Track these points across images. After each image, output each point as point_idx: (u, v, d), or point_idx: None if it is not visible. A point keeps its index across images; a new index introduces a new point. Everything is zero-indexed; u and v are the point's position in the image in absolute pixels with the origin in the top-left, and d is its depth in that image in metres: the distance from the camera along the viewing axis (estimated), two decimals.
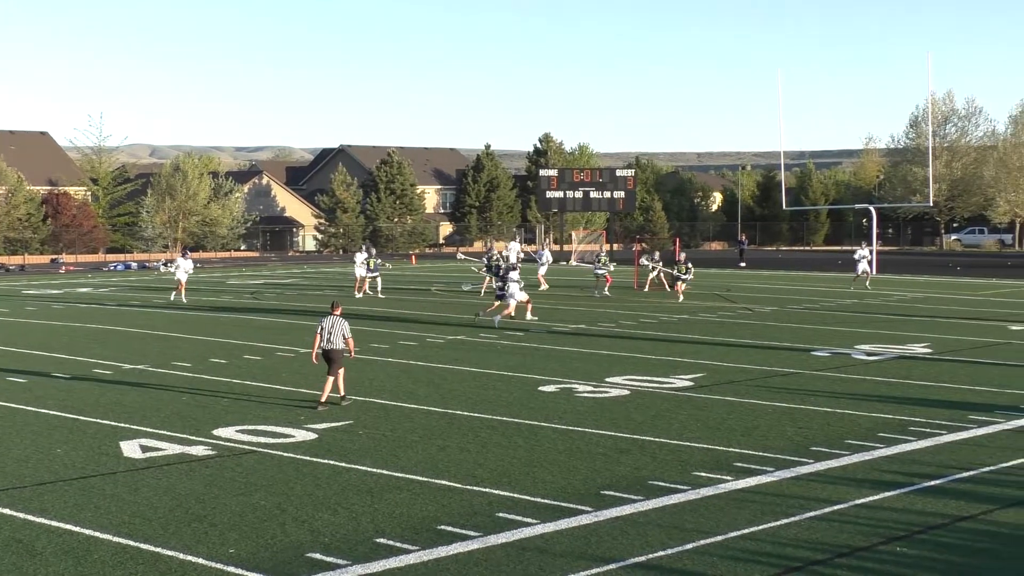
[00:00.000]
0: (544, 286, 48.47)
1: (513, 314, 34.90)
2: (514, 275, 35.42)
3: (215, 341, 30.35)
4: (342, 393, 20.75)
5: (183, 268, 44.36)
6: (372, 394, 21.90)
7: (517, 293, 35.18)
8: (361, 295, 44.60)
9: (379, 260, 46.67)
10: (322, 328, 20.56)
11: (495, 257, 45.64)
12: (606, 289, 45.80)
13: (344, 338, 20.49)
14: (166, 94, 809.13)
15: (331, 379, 20.52)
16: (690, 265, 46.11)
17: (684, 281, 44.79)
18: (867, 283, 49.36)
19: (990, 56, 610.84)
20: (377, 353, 27.84)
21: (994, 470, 15.80)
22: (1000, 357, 27.39)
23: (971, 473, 15.62)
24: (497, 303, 35.65)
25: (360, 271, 45.64)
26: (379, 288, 45.68)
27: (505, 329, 32.93)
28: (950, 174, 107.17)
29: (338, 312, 20.96)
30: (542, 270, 51.02)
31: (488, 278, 44.97)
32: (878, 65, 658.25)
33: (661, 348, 28.95)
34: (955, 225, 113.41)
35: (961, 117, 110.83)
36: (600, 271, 46.55)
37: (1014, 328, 33.73)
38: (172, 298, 43.40)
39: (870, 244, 58.54)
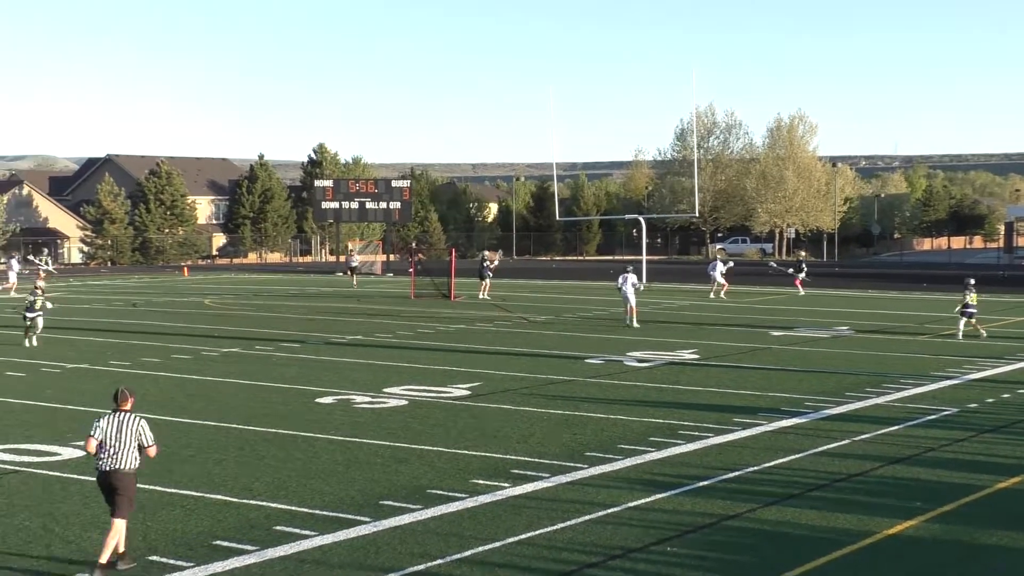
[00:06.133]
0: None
1: None
2: None
3: None
4: None
5: None
6: (144, 409, 21.25)
7: None
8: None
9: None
10: None
11: None
12: (722, 293, 49.51)
13: None
14: None
15: None
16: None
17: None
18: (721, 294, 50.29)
19: (750, 70, 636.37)
20: (149, 368, 27.12)
21: (757, 470, 16.47)
22: (762, 362, 28.54)
23: (736, 473, 16.24)
24: None
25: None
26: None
27: (282, 341, 32.61)
28: (714, 185, 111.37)
29: None
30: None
31: None
32: (646, 79, 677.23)
33: (438, 358, 29.10)
34: (719, 235, 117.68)
35: (723, 130, 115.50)
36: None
37: (775, 334, 35.18)
38: None
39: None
